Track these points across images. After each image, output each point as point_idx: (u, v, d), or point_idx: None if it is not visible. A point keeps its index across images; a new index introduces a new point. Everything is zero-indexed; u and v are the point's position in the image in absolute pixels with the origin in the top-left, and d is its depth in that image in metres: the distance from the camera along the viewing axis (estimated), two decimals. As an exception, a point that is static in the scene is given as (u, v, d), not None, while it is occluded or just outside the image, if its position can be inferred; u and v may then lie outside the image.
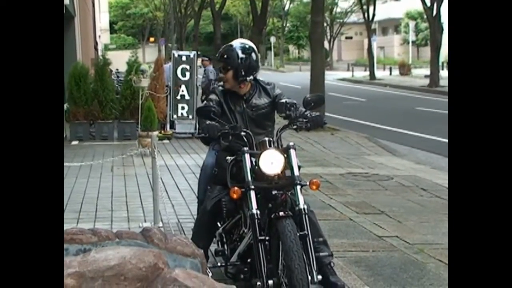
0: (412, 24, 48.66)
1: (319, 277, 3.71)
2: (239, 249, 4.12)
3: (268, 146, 3.97)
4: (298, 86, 28.59)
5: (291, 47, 67.56)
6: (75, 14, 16.77)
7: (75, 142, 12.81)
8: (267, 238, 3.75)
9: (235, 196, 3.85)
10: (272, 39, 56.57)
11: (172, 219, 6.33)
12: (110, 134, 13.25)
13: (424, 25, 46.99)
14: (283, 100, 4.32)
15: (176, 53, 14.29)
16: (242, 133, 4.09)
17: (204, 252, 3.64)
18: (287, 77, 39.90)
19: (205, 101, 4.87)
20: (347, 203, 7.29)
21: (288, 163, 3.92)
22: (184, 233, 5.66)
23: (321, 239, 4.17)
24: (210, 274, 3.39)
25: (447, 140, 13.04)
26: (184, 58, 13.77)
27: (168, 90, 13.63)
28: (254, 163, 3.93)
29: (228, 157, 4.19)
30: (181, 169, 9.49)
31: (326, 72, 19.11)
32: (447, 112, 17.57)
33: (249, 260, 4.00)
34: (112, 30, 68.10)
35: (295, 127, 4.16)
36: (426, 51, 42.08)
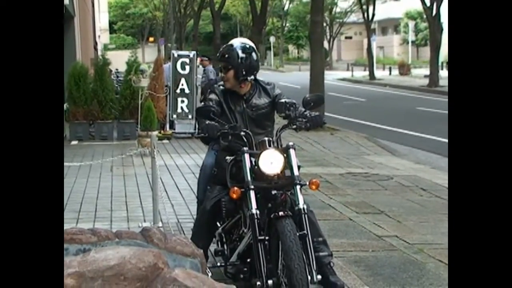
0: (411, 24, 48.65)
1: (319, 277, 3.71)
2: (238, 249, 4.12)
3: (267, 146, 3.97)
4: (298, 86, 28.59)
5: (290, 47, 67.56)
6: (75, 14, 16.77)
7: (74, 142, 12.81)
8: (266, 238, 3.75)
9: (234, 196, 3.85)
10: (272, 39, 56.57)
11: (172, 219, 6.33)
12: (109, 134, 13.24)
13: (423, 25, 46.99)
14: (283, 100, 4.32)
15: (175, 53, 14.29)
16: (242, 133, 4.09)
17: (203, 252, 3.64)
18: (286, 77, 39.90)
19: (204, 101, 4.87)
20: (347, 203, 7.29)
21: (287, 163, 3.92)
22: (183, 233, 5.66)
23: (320, 239, 4.17)
24: (209, 274, 3.39)
25: (446, 140, 13.06)
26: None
27: (168, 90, 13.63)
28: (253, 163, 3.93)
29: (227, 157, 4.19)
30: (180, 169, 9.49)
31: (326, 72, 19.11)
32: (446, 112, 17.63)
33: (248, 260, 4.00)
34: (111, 30, 68.11)
35: (294, 127, 4.16)
36: (426, 51, 42.09)
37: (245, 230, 4.09)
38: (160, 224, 6.04)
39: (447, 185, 8.39)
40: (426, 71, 33.39)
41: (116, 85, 14.94)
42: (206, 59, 16.38)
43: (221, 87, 4.47)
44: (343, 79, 39.56)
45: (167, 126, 13.88)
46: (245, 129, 4.17)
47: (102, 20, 46.32)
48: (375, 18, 39.41)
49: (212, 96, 4.44)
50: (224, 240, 4.44)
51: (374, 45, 39.41)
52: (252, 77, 4.38)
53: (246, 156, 3.93)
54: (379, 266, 4.95)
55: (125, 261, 2.84)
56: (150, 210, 6.45)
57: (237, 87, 4.38)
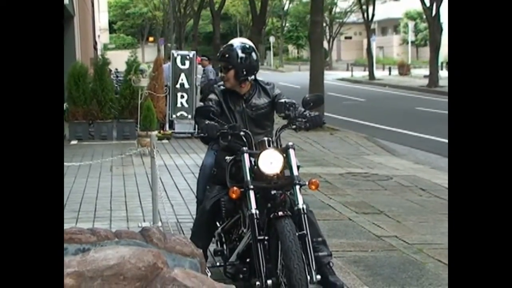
0: (411, 24, 48.67)
1: (318, 277, 3.71)
2: (238, 249, 4.12)
3: (267, 146, 3.97)
4: (298, 86, 28.59)
5: (290, 47, 67.56)
6: (75, 13, 16.78)
7: (74, 142, 12.81)
8: (266, 238, 3.75)
9: (234, 196, 3.86)
10: (272, 39, 56.57)
11: (171, 218, 6.33)
12: (109, 133, 13.24)
13: (423, 25, 47.00)
14: (282, 100, 4.32)
15: (175, 53, 14.30)
16: (241, 133, 4.09)
17: (203, 252, 3.64)
18: (286, 77, 39.90)
19: (203, 101, 4.88)
20: (346, 203, 7.29)
21: (287, 163, 3.92)
22: (183, 233, 5.66)
23: (320, 239, 4.17)
24: (209, 274, 3.39)
25: (446, 140, 13.06)
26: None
27: (167, 90, 13.63)
28: (253, 163, 3.93)
29: (227, 157, 4.19)
30: (180, 169, 9.49)
31: (326, 72, 19.11)
32: (446, 112, 17.65)
33: (248, 260, 4.00)
34: (111, 30, 68.10)
35: (294, 127, 4.16)
36: (425, 51, 42.11)
37: (244, 230, 4.09)
38: (159, 224, 6.04)
39: (446, 185, 8.39)
40: (426, 71, 33.41)
41: (116, 85, 14.95)
42: (206, 59, 16.39)
43: (221, 87, 4.47)
44: (343, 79, 39.57)
45: (167, 126, 13.88)
46: (244, 129, 4.17)
47: (102, 19, 46.31)
48: (375, 18, 39.44)
49: (212, 96, 4.44)
50: (223, 240, 4.44)
51: (373, 45, 39.43)
52: (253, 77, 4.39)
53: (246, 156, 3.94)
54: (378, 266, 4.95)
55: (125, 261, 2.84)
56: (149, 210, 6.45)
57: (238, 87, 4.38)
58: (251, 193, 3.83)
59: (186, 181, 8.50)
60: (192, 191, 7.22)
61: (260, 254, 3.70)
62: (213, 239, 4.56)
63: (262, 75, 4.59)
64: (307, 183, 3.90)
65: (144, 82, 12.25)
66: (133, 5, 69.62)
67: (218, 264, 4.30)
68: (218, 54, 4.49)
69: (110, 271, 2.81)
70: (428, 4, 28.49)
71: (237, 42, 4.45)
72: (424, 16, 32.73)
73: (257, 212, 3.79)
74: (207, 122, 4.10)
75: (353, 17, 53.25)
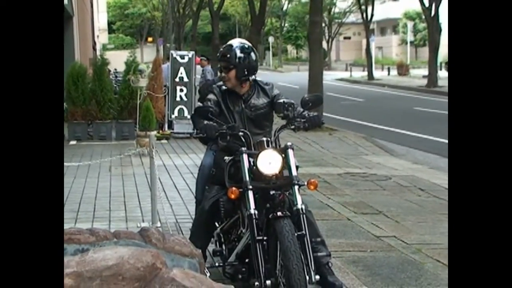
0: (410, 24, 48.70)
1: (317, 277, 3.71)
2: (237, 249, 4.13)
3: (266, 146, 3.98)
4: (296, 86, 28.58)
5: (289, 47, 67.57)
6: (74, 14, 16.78)
7: (73, 142, 12.80)
8: (265, 238, 3.76)
9: (233, 196, 3.86)
10: (271, 39, 56.59)
11: (170, 219, 6.33)
12: (108, 134, 13.24)
13: (422, 25, 47.01)
14: (281, 100, 4.32)
15: (174, 53, 14.30)
16: (240, 133, 4.10)
17: (202, 252, 3.64)
18: (285, 77, 39.91)
19: (201, 102, 4.87)
20: (345, 203, 7.29)
21: (286, 163, 3.92)
22: (182, 233, 5.66)
23: (319, 239, 4.17)
24: (208, 274, 3.40)
25: (445, 140, 13.07)
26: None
27: (166, 90, 13.63)
28: (252, 163, 3.93)
29: (226, 157, 4.19)
30: (179, 169, 9.50)
31: (324, 72, 19.11)
32: (445, 112, 17.65)
33: (247, 260, 4.00)
34: (110, 30, 68.08)
35: (293, 127, 4.16)
36: (424, 52, 42.16)
37: (243, 230, 4.09)
38: (158, 224, 6.05)
39: (445, 185, 8.40)
40: (425, 71, 33.45)
41: (115, 85, 14.94)
42: (205, 59, 16.39)
43: (223, 87, 4.46)
44: (342, 79, 39.59)
45: (166, 126, 13.88)
46: (243, 129, 4.17)
47: (101, 20, 46.29)
48: (374, 19, 39.48)
49: (210, 96, 4.44)
50: (222, 240, 4.45)
51: (372, 46, 39.45)
52: (253, 76, 4.40)
53: (245, 156, 3.94)
54: (377, 266, 4.96)
55: (123, 261, 2.84)
56: (148, 210, 6.45)
57: (238, 87, 4.38)
58: (250, 194, 3.84)
59: (185, 181, 8.50)
60: (191, 191, 7.23)
61: (259, 254, 3.71)
62: (212, 239, 4.57)
63: (261, 75, 4.59)
64: (306, 183, 3.91)
65: (143, 82, 12.25)
66: (132, 6, 69.61)
67: (217, 264, 4.30)
68: (218, 54, 4.49)
69: (109, 272, 2.81)
70: (427, 5, 28.52)
71: (236, 42, 4.46)
72: (423, 16, 32.75)
73: (256, 212, 3.79)
74: (206, 122, 4.10)
75: (352, 17, 53.26)
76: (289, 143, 4.02)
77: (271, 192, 3.83)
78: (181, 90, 13.63)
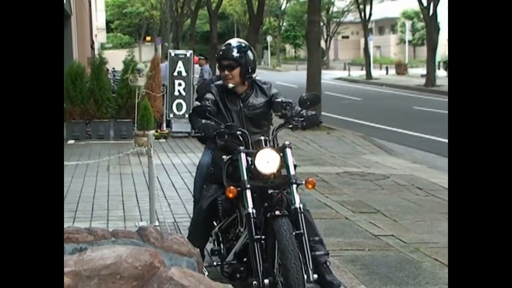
0: (408, 23, 48.70)
1: (315, 276, 3.71)
2: (235, 248, 4.13)
3: (264, 145, 3.98)
4: (295, 85, 28.58)
5: (287, 46, 67.57)
6: (72, 13, 16.77)
7: (71, 141, 12.79)
8: (263, 237, 3.76)
9: (231, 195, 3.86)
10: (269, 38, 56.59)
11: (168, 218, 6.33)
12: (106, 133, 13.23)
13: (420, 24, 47.05)
14: (279, 99, 4.33)
15: (172, 52, 14.29)
16: (238, 132, 4.10)
17: (200, 251, 3.64)
18: (283, 76, 39.91)
19: (198, 101, 4.86)
20: (343, 202, 7.30)
21: (284, 162, 3.92)
22: (180, 232, 5.66)
23: (317, 238, 4.17)
24: (206, 273, 3.40)
25: (443, 140, 13.09)
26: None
27: (165, 89, 13.62)
28: (250, 162, 3.93)
29: (224, 156, 4.19)
30: (177, 168, 9.50)
31: (323, 71, 19.14)
32: (443, 111, 17.65)
33: (245, 259, 4.00)
34: (108, 29, 67.98)
35: (291, 126, 4.16)
36: (423, 51, 42.15)
37: (241, 229, 4.09)
38: (156, 223, 6.05)
39: (443, 184, 8.41)
40: (423, 70, 33.46)
41: (113, 84, 14.93)
42: (203, 58, 16.39)
43: (220, 86, 4.45)
44: (340, 79, 39.60)
45: (164, 125, 13.87)
46: (241, 128, 4.17)
47: (99, 19, 46.24)
48: (372, 18, 39.48)
49: (208, 95, 4.44)
50: (220, 239, 4.44)
51: (371, 45, 39.48)
52: (255, 75, 4.41)
53: (243, 155, 3.94)
54: (375, 265, 4.96)
55: (121, 260, 2.84)
56: (146, 209, 6.45)
57: (240, 86, 4.38)
58: (248, 193, 3.84)
59: (183, 180, 8.50)
60: (189, 191, 7.23)
61: (257, 253, 3.71)
62: (210, 238, 4.57)
63: (259, 75, 4.59)
64: (304, 182, 3.91)
65: (141, 81, 12.25)
66: (130, 5, 69.59)
67: (215, 263, 4.30)
68: (219, 53, 4.43)
69: (107, 271, 2.81)
70: (425, 4, 28.53)
71: (235, 41, 4.47)
72: (421, 16, 32.78)
73: (254, 211, 3.79)
74: (204, 121, 4.09)
75: (350, 17, 53.25)
76: (287, 142, 4.02)
77: (269, 191, 3.83)
78: (179, 85, 13.61)
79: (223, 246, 4.37)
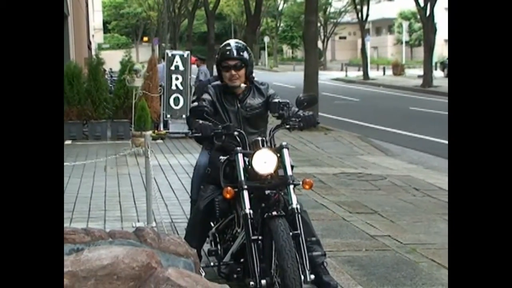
0: (405, 24, 48.77)
1: (312, 276, 3.71)
2: (232, 248, 4.13)
3: (261, 146, 3.98)
4: (292, 86, 28.60)
5: (284, 47, 67.60)
6: (69, 13, 16.75)
7: (68, 142, 12.77)
8: (260, 237, 3.76)
9: (228, 196, 3.86)
10: (266, 39, 56.61)
11: (165, 218, 6.33)
12: (103, 133, 13.22)
13: (417, 25, 47.10)
14: (276, 100, 4.33)
15: (169, 53, 14.28)
16: (235, 133, 4.10)
17: (197, 252, 3.64)
18: (280, 77, 39.92)
19: (195, 101, 4.85)
20: (340, 202, 7.30)
21: (281, 163, 3.92)
22: (177, 233, 5.66)
23: (314, 238, 4.17)
24: (203, 274, 3.40)
25: (440, 140, 13.11)
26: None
27: (162, 90, 13.61)
28: (247, 162, 3.93)
29: (221, 157, 4.19)
30: (174, 168, 9.49)
31: (320, 72, 19.13)
32: (440, 112, 17.64)
33: (242, 260, 4.00)
34: (105, 30, 68.06)
35: (288, 126, 4.17)
36: (420, 51, 42.19)
37: (238, 230, 4.09)
38: (153, 224, 6.04)
39: (440, 185, 8.42)
40: (420, 71, 33.50)
41: (110, 85, 14.93)
42: (201, 59, 16.38)
43: (220, 86, 4.45)
44: (337, 79, 39.62)
45: (161, 126, 13.86)
46: (238, 129, 4.17)
47: (96, 19, 46.29)
48: (369, 18, 39.52)
49: (205, 96, 4.44)
50: (217, 240, 4.44)
51: (368, 45, 39.50)
52: (254, 75, 4.43)
53: (240, 156, 3.94)
54: (372, 266, 4.96)
55: (118, 261, 2.85)
56: (143, 210, 6.45)
57: (240, 86, 4.38)
58: (245, 193, 3.84)
59: (180, 181, 8.50)
60: (186, 191, 7.23)
61: (254, 254, 3.71)
62: (207, 239, 4.57)
63: (257, 75, 4.60)
64: (301, 182, 3.91)
65: (139, 82, 12.24)
66: (128, 5, 69.56)
67: (212, 264, 4.30)
68: (227, 53, 4.35)
69: (104, 271, 2.82)
70: (422, 4, 28.58)
71: (236, 42, 4.49)
72: (418, 16, 32.83)
73: (251, 212, 3.79)
74: (201, 122, 4.09)
75: (347, 17, 53.34)
76: (284, 143, 4.02)
77: (266, 192, 3.83)
78: (177, 79, 13.55)
79: (220, 247, 4.37)
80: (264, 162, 3.85)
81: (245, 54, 4.34)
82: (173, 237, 3.35)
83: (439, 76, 33.24)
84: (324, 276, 4.13)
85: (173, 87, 13.49)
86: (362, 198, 7.60)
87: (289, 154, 4.02)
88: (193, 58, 15.54)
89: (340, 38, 63.65)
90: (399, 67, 41.19)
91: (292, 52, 66.83)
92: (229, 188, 3.86)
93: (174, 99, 13.55)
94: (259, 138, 4.06)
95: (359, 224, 6.28)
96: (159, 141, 12.96)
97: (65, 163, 7.05)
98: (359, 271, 4.84)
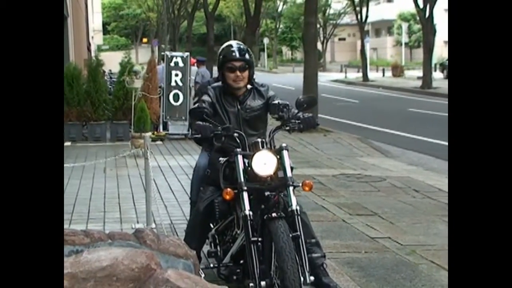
0: (405, 25, 48.78)
1: (312, 278, 3.71)
2: (231, 250, 4.13)
3: (260, 147, 3.98)
4: (291, 88, 28.61)
5: (284, 49, 67.61)
6: (68, 14, 16.75)
7: (67, 143, 12.76)
8: (259, 239, 3.76)
9: (227, 197, 3.86)
10: (265, 40, 56.64)
11: (165, 220, 6.32)
12: (102, 135, 13.21)
13: (417, 26, 47.10)
14: (276, 102, 4.33)
15: (169, 54, 14.28)
16: (235, 134, 4.10)
17: (196, 253, 3.64)
18: (280, 78, 39.92)
19: (196, 102, 4.86)
20: (340, 204, 7.30)
21: (280, 164, 3.92)
22: (176, 234, 5.66)
23: (313, 240, 4.18)
24: (202, 275, 3.40)
25: (440, 142, 13.11)
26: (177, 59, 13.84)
27: (161, 91, 13.62)
28: (246, 164, 3.93)
29: (221, 158, 4.19)
30: (174, 170, 9.49)
31: (319, 74, 19.13)
32: (440, 113, 17.64)
33: (241, 261, 4.00)
34: (105, 31, 68.05)
35: (287, 128, 4.17)
36: (419, 53, 42.23)
37: (238, 232, 4.09)
38: (153, 225, 6.04)
39: (439, 187, 8.42)
40: (419, 72, 33.51)
41: (110, 86, 14.93)
42: (203, 60, 16.39)
43: (220, 88, 4.44)
44: (337, 81, 39.62)
45: (161, 127, 13.86)
46: (238, 130, 4.17)
47: (96, 21, 46.31)
48: (369, 20, 39.52)
49: (205, 97, 4.44)
50: (217, 241, 4.44)
51: (367, 47, 39.52)
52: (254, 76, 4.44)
53: (239, 157, 3.94)
54: (372, 267, 4.96)
55: (118, 262, 2.84)
56: (143, 211, 6.44)
57: (241, 88, 4.38)
58: (245, 195, 3.84)
59: (179, 182, 8.49)
60: (186, 193, 7.22)
61: (253, 256, 3.71)
62: (207, 240, 4.57)
63: (256, 77, 4.59)
64: (300, 184, 3.91)
65: (138, 83, 12.23)
66: (127, 6, 69.58)
67: (211, 265, 4.30)
68: (233, 53, 4.33)
69: (103, 273, 2.81)
70: (421, 6, 28.59)
71: (237, 43, 4.49)
72: (418, 18, 32.84)
73: (251, 213, 3.79)
74: (200, 123, 4.09)
75: (346, 19, 53.37)
76: (284, 144, 4.02)
77: (266, 193, 3.83)
78: (176, 75, 13.57)
79: (220, 248, 4.37)
80: (263, 163, 3.86)
81: (248, 56, 4.36)
82: (173, 239, 3.35)
83: (439, 78, 33.23)
84: (324, 278, 4.13)
85: (173, 83, 13.51)
86: (362, 200, 7.60)
87: (289, 156, 4.02)
88: (193, 60, 15.55)
89: (340, 39, 63.66)
90: (398, 69, 41.19)
91: (292, 54, 66.83)
92: (228, 189, 3.86)
93: (174, 95, 13.57)
94: (259, 140, 4.06)
95: (359, 225, 6.28)
96: (159, 142, 12.95)
97: (64, 165, 7.06)
98: (358, 272, 4.84)
